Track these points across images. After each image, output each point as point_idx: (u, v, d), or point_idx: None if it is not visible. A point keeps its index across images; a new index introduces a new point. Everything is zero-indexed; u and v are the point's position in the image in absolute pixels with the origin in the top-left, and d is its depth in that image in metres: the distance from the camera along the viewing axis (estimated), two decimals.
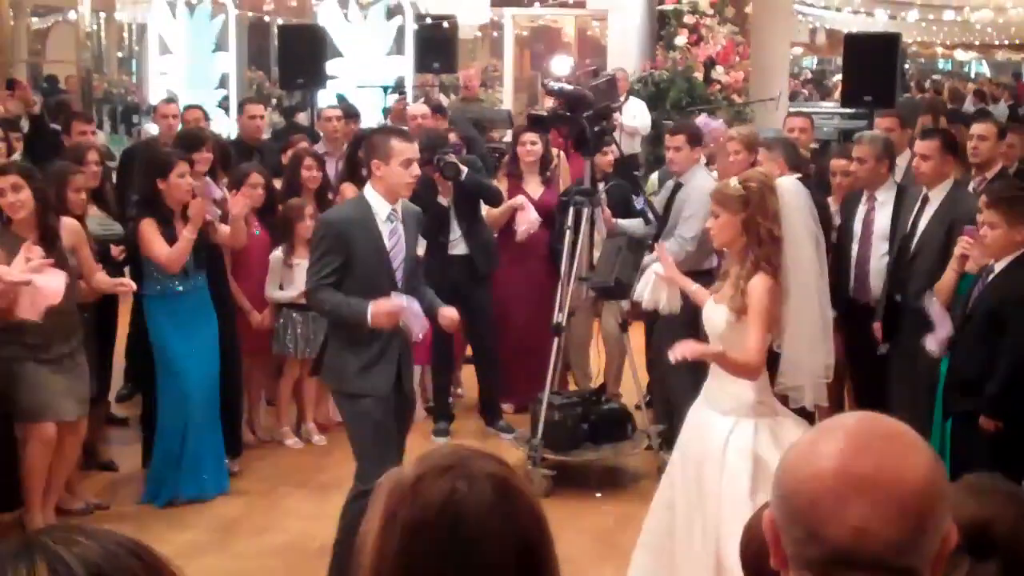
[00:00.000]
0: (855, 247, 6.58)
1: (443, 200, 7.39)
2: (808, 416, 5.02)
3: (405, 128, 5.88)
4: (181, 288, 6.31)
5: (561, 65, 10.79)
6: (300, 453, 7.31)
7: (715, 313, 4.70)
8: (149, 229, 6.19)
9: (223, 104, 13.59)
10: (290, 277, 7.09)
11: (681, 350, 4.48)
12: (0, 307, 5.42)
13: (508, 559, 1.67)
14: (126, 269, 6.72)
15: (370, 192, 5.17)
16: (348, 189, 7.38)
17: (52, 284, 5.41)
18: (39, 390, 5.68)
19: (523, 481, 1.85)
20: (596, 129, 6.81)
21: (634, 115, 10.80)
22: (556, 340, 6.75)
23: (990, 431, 4.93)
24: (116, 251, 6.52)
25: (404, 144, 5.09)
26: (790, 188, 4.70)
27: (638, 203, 7.42)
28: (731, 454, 4.55)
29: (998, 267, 5.05)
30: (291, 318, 7.21)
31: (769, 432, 4.55)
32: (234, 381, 6.89)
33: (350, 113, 9.20)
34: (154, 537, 5.54)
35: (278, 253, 7.15)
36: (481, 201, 7.55)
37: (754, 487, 4.41)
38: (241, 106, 9.04)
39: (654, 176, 8.00)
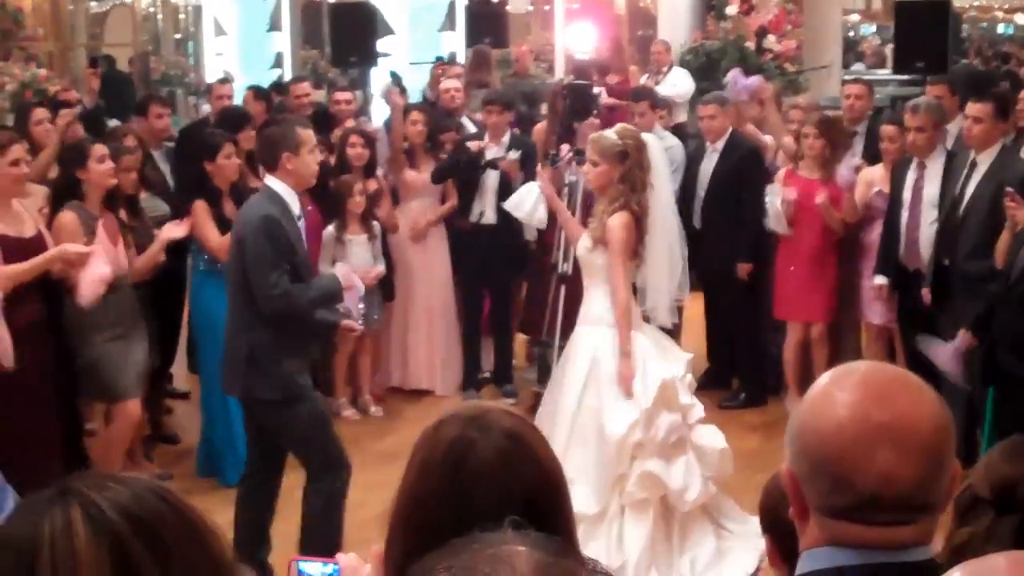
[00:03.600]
0: (905, 214, 6.56)
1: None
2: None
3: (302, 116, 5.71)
4: None
5: (582, 36, 10.33)
6: (357, 424, 7.43)
7: (582, 240, 5.56)
8: (202, 212, 6.29)
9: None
10: (343, 253, 7.20)
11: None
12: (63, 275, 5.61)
13: (509, 509, 1.58)
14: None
15: (279, 186, 4.84)
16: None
17: (98, 271, 5.57)
18: (121, 370, 5.89)
19: (540, 438, 1.92)
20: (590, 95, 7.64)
21: (674, 84, 10.82)
22: (561, 285, 6.96)
23: None
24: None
25: (307, 131, 4.91)
26: (653, 143, 5.64)
27: None
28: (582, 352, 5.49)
29: None
30: None
31: (612, 341, 5.38)
32: None
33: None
34: (211, 507, 5.72)
35: (331, 229, 7.27)
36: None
37: (586, 383, 5.39)
38: (286, 86, 9.08)
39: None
